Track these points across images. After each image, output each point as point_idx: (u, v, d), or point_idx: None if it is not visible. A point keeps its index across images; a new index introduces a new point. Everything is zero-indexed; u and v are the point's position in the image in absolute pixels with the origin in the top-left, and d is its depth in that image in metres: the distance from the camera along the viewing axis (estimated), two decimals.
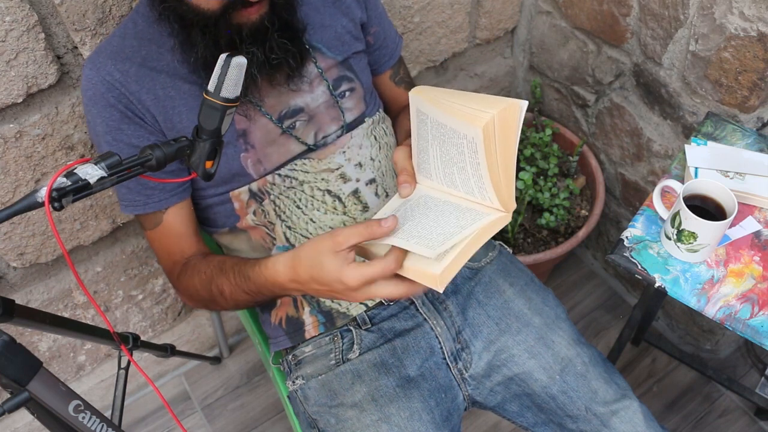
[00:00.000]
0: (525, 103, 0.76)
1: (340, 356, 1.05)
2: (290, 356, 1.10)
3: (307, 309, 1.08)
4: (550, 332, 1.09)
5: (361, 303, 1.07)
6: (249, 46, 0.89)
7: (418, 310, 1.09)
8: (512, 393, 1.09)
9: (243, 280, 0.93)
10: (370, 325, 1.07)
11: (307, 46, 1.02)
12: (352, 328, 1.07)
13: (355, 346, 1.05)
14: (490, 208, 0.80)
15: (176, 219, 1.03)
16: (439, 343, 1.08)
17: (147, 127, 0.95)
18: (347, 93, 1.07)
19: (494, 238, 1.59)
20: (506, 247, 1.23)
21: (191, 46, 0.90)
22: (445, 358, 1.07)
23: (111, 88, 0.93)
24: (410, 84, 1.27)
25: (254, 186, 1.02)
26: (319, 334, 1.08)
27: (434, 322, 1.08)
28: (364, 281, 0.76)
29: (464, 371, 1.08)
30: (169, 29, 0.92)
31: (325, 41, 1.05)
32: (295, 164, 1.03)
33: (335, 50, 1.06)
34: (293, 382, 1.07)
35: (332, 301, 1.07)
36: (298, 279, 0.83)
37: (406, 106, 1.25)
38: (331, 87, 1.05)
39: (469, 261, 1.15)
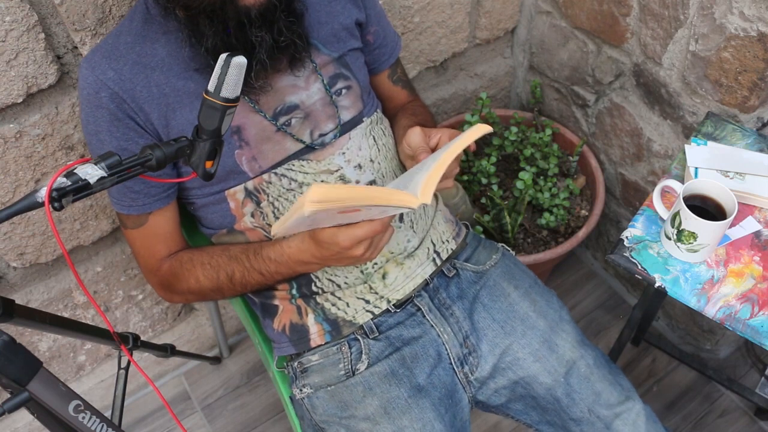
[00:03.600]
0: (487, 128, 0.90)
1: (350, 367, 1.04)
2: (296, 363, 1.09)
3: (311, 316, 1.07)
4: (554, 335, 1.09)
5: (367, 311, 1.06)
6: (258, 30, 0.88)
7: (425, 316, 1.09)
8: (517, 395, 1.09)
9: (262, 261, 0.99)
10: (377, 334, 1.07)
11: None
12: (359, 337, 1.06)
13: (364, 356, 1.04)
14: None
15: (161, 220, 1.03)
16: (446, 349, 1.07)
17: (137, 129, 0.95)
18: (344, 91, 1.07)
19: (495, 239, 1.60)
20: (509, 249, 1.23)
21: (199, 36, 0.89)
22: (451, 363, 1.07)
23: (104, 88, 0.92)
24: (407, 84, 1.27)
25: (250, 185, 1.02)
26: (325, 343, 1.07)
27: (441, 328, 1.08)
28: (355, 240, 0.86)
29: (470, 374, 1.08)
30: (176, 23, 0.92)
31: (321, 38, 1.04)
32: (293, 164, 1.03)
33: (331, 47, 1.05)
34: (300, 390, 1.07)
35: (338, 309, 1.07)
36: (320, 255, 0.92)
37: (405, 105, 1.25)
38: (326, 84, 1.04)
39: (473, 264, 1.15)
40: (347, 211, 0.79)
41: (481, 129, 0.90)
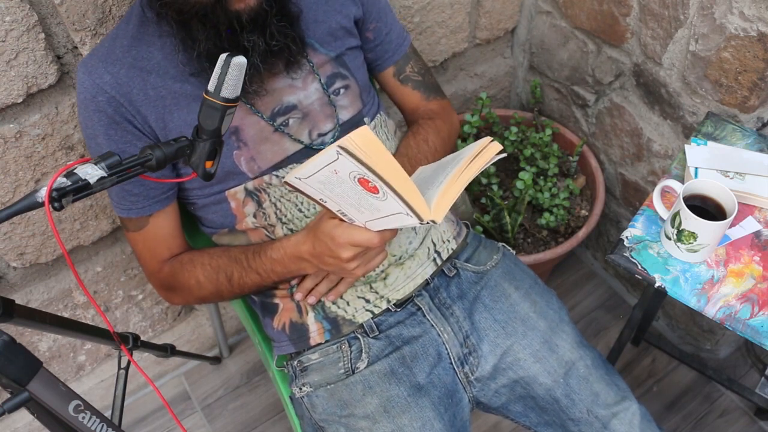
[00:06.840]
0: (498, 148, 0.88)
1: (350, 366, 1.04)
2: (295, 362, 1.09)
3: (311, 315, 1.07)
4: (554, 336, 1.09)
5: (367, 310, 1.07)
6: (250, 34, 0.88)
7: (425, 316, 1.09)
8: (517, 395, 1.09)
9: (260, 260, 1.00)
10: (377, 333, 1.07)
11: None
12: (359, 335, 1.06)
13: (363, 355, 1.04)
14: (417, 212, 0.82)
15: (162, 222, 1.03)
16: (446, 348, 1.07)
17: (135, 132, 0.95)
18: (342, 90, 1.06)
19: (495, 239, 1.60)
20: (509, 248, 1.23)
21: (193, 41, 0.90)
22: (451, 363, 1.07)
23: (101, 92, 0.93)
24: (420, 84, 1.20)
25: (250, 185, 1.02)
26: (325, 342, 1.07)
27: (441, 328, 1.08)
28: (350, 240, 0.87)
29: (470, 374, 1.08)
30: (169, 28, 0.92)
31: (317, 37, 1.04)
32: (295, 167, 1.03)
33: (328, 46, 1.05)
34: (300, 388, 1.07)
35: (338, 307, 1.07)
36: (314, 250, 0.93)
37: (420, 122, 1.18)
38: (324, 83, 1.04)
39: (473, 264, 1.15)
40: (366, 183, 0.77)
41: (494, 149, 0.87)
